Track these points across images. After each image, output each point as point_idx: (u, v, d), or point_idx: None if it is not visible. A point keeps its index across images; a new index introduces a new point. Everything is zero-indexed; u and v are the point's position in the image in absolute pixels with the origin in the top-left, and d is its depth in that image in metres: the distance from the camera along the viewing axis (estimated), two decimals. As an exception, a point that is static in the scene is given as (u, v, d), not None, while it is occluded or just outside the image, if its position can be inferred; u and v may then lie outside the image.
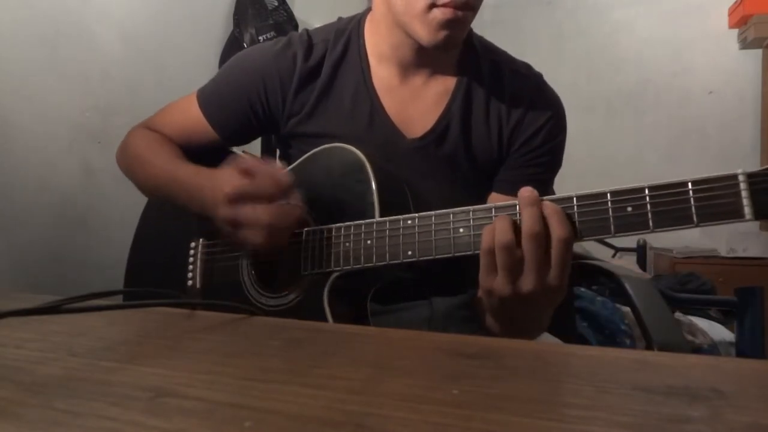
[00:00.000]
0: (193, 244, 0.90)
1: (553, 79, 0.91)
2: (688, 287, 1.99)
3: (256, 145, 1.39)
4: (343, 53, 0.87)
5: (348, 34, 0.88)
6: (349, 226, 0.71)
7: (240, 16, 2.06)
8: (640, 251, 2.38)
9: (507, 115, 0.85)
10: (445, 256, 0.65)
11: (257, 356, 0.40)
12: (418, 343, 0.45)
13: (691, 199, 0.54)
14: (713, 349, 1.47)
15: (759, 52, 2.99)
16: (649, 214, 0.55)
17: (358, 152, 0.75)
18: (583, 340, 1.35)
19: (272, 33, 1.99)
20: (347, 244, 0.71)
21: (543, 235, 0.58)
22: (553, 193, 0.91)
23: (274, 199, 0.68)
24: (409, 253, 0.67)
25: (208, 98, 0.91)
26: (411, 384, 0.33)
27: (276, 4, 2.08)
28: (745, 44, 2.97)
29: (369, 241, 0.69)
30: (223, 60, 2.02)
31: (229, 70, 0.92)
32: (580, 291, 1.48)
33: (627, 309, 1.38)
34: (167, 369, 0.36)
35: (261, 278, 0.82)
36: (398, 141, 0.85)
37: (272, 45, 0.89)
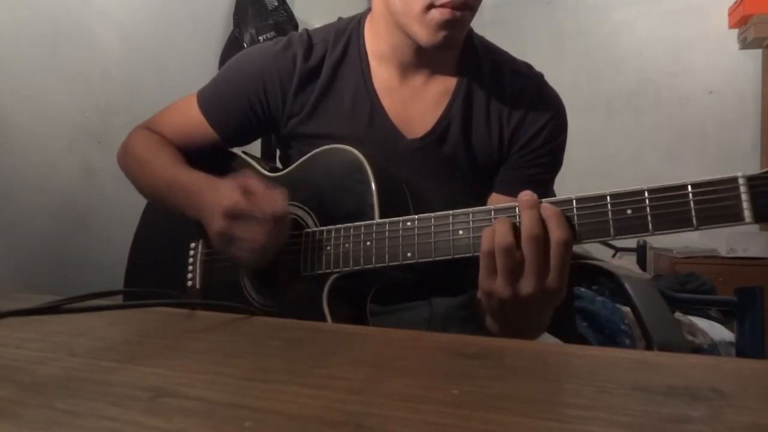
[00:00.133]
0: (193, 245, 0.90)
1: (553, 79, 0.91)
2: (688, 287, 1.99)
3: (256, 146, 1.39)
4: (343, 53, 0.87)
5: (348, 35, 0.88)
6: (349, 228, 0.71)
7: (240, 16, 2.05)
8: (640, 251, 2.38)
9: (508, 115, 0.85)
10: (445, 258, 0.65)
11: (257, 356, 0.40)
12: (418, 343, 0.45)
13: (691, 202, 0.54)
14: (713, 349, 1.47)
15: (759, 52, 2.99)
16: (649, 217, 0.55)
17: (357, 153, 0.75)
18: (583, 340, 1.35)
19: (272, 33, 1.99)
20: (347, 245, 0.71)
21: (542, 238, 0.58)
22: (554, 194, 0.91)
23: (267, 222, 0.69)
24: (409, 254, 0.67)
25: (208, 99, 0.91)
26: (411, 384, 0.33)
27: (276, 4, 2.08)
28: (745, 44, 2.97)
29: (368, 243, 0.69)
30: (223, 60, 2.02)
31: (229, 71, 0.92)
32: (580, 291, 1.48)
33: (627, 309, 1.38)
34: (167, 369, 0.36)
35: (261, 279, 0.82)
36: (398, 141, 0.85)
37: (272, 45, 0.89)
